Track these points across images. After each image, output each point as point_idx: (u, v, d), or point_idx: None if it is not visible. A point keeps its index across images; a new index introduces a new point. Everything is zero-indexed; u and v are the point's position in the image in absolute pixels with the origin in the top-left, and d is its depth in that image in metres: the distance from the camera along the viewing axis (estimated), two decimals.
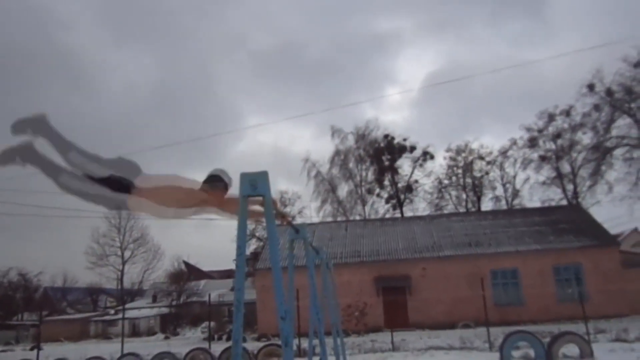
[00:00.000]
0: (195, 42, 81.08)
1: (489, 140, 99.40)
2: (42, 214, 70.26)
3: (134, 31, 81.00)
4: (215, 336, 27.16)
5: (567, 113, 37.85)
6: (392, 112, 71.48)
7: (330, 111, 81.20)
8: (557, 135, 39.02)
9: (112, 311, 50.66)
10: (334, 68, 76.75)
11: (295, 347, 14.68)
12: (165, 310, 45.55)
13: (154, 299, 49.80)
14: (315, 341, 6.50)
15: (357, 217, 42.78)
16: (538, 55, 66.49)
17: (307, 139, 73.81)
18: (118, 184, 3.34)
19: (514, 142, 41.35)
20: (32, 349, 27.87)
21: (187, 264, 53.97)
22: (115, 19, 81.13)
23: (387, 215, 43.75)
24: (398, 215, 43.18)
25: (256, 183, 3.13)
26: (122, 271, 51.40)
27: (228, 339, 25.94)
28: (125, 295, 52.27)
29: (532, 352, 11.48)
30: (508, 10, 74.16)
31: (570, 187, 39.30)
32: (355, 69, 74.78)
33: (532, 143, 40.22)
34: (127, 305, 44.74)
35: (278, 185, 50.67)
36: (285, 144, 75.91)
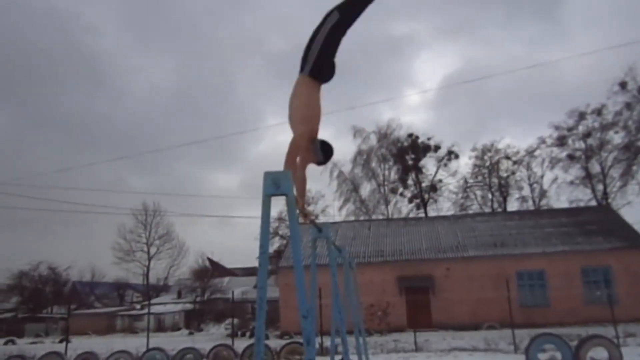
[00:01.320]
0: (215, 46, 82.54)
1: (508, 142, 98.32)
2: (71, 210, 72.14)
3: (157, 36, 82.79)
4: (239, 333, 27.43)
5: (598, 112, 37.02)
6: (410, 114, 71.35)
7: (348, 113, 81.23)
8: (587, 134, 38.16)
9: (138, 306, 51.57)
10: (350, 71, 76.95)
11: (317, 346, 14.72)
12: (189, 306, 46.17)
13: (179, 295, 50.52)
14: (338, 340, 6.50)
15: (380, 217, 42.60)
16: (552, 56, 65.53)
17: (325, 139, 73.94)
18: (330, 61, 3.83)
19: (542, 141, 40.60)
20: (60, 342, 28.58)
21: (211, 260, 54.58)
22: (139, 25, 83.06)
23: (411, 215, 43.48)
24: (422, 215, 42.85)
25: (279, 182, 3.14)
26: (148, 267, 52.25)
27: (251, 336, 26.16)
28: (151, 291, 53.14)
29: (558, 355, 11.27)
30: (521, 13, 73.73)
31: (599, 187, 38.42)
32: (371, 72, 74.93)
33: (561, 142, 39.41)
34: (152, 301, 45.55)
35: None
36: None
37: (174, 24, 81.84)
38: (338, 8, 3.70)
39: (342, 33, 3.75)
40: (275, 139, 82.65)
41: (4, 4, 67.93)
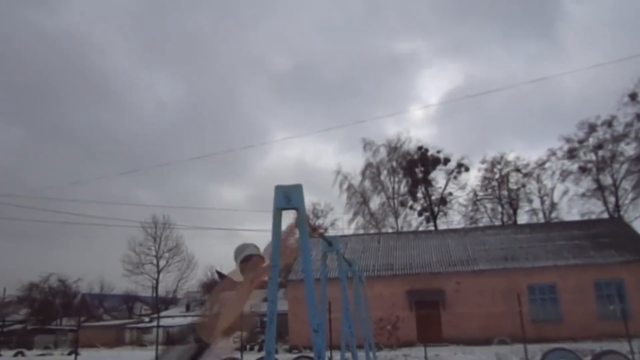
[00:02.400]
0: (220, 63, 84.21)
1: (516, 154, 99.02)
2: (81, 222, 72.59)
3: (163, 54, 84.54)
4: (247, 346, 27.29)
5: (609, 124, 36.79)
6: (414, 130, 72.08)
7: (352, 129, 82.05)
8: (598, 146, 37.88)
9: (147, 319, 51.50)
10: (352, 88, 78.53)
11: None
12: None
13: (188, 308, 50.43)
14: (347, 354, 6.45)
15: (390, 230, 42.40)
16: (551, 71, 66.76)
17: (330, 154, 75.26)
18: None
19: (552, 153, 40.35)
20: (69, 354, 28.57)
21: (219, 274, 54.03)
22: (146, 44, 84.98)
23: (421, 228, 43.25)
24: (432, 228, 42.61)
25: (290, 196, 3.16)
26: (157, 280, 52.35)
27: (260, 350, 26.02)
28: (160, 304, 53.15)
29: None
30: (519, 31, 75.29)
31: (611, 199, 38.05)
32: (374, 89, 76.35)
33: (572, 154, 39.16)
34: (161, 314, 45.47)
35: (306, 199, 50.99)
36: (309, 159, 77.85)
37: (180, 42, 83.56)
38: None
39: None
40: (281, 154, 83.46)
41: (14, 23, 69.47)
